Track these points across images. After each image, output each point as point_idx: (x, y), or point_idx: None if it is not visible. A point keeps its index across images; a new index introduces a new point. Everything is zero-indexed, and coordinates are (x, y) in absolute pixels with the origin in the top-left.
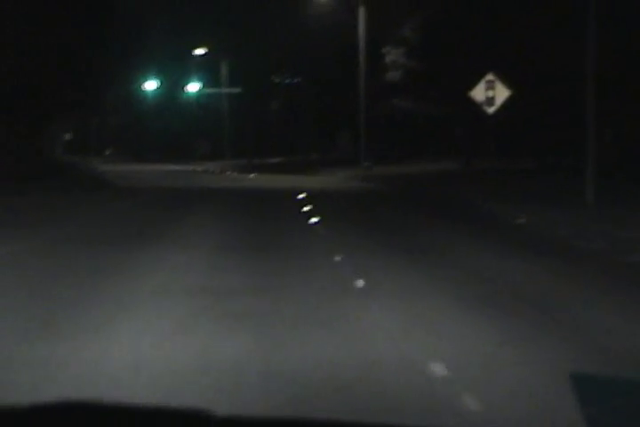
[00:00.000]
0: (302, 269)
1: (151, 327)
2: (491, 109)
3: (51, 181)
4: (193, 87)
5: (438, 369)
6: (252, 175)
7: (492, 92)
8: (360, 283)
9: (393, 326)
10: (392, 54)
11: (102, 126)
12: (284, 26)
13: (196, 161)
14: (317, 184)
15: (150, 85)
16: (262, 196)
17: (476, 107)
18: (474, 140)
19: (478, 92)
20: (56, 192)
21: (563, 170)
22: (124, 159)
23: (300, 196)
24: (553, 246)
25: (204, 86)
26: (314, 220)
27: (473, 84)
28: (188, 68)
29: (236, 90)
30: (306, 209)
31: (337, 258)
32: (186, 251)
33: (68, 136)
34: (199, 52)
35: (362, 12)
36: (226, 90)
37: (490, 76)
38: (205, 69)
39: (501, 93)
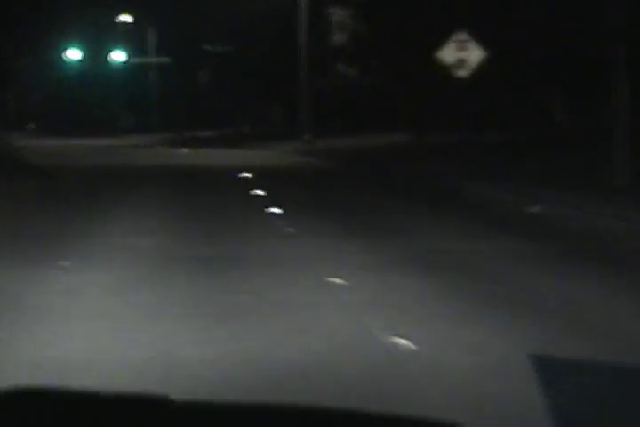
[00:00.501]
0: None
1: None
2: (462, 73)
3: None
4: (118, 56)
5: None
6: (184, 150)
7: (463, 54)
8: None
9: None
10: (338, 15)
11: (22, 99)
12: None
13: (121, 135)
14: (255, 160)
15: (73, 55)
16: (200, 174)
17: (434, 71)
18: (425, 112)
19: (447, 53)
20: None
21: (534, 145)
22: (46, 134)
23: (242, 174)
24: (612, 251)
25: (130, 56)
26: (272, 209)
27: (424, 48)
28: (113, 36)
29: (165, 60)
30: (255, 193)
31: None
32: (111, 270)
33: None
34: (124, 18)
35: None
36: (153, 59)
37: (462, 36)
38: (131, 38)
39: (475, 55)
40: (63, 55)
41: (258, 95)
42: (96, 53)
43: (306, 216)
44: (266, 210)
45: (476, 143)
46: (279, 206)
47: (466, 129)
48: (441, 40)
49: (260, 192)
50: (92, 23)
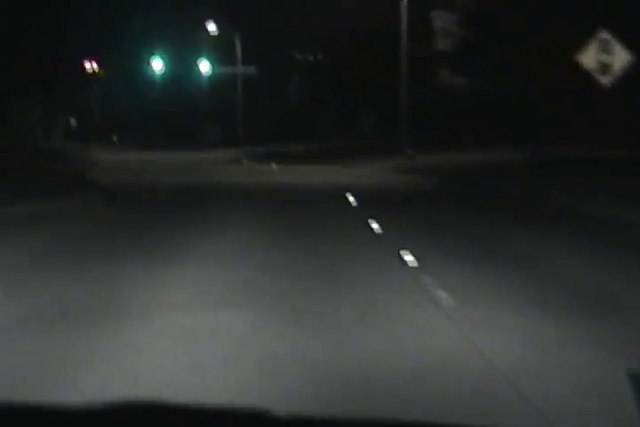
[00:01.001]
0: None
1: None
2: (606, 79)
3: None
4: (203, 67)
5: None
6: (272, 166)
7: (607, 57)
8: None
9: None
10: (441, 20)
11: (106, 111)
12: None
13: (206, 148)
14: (354, 178)
15: (157, 65)
16: (296, 196)
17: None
18: (542, 123)
19: (588, 57)
20: None
21: None
22: (128, 147)
23: (346, 197)
24: None
25: (214, 66)
26: (402, 255)
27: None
28: (198, 45)
29: (251, 69)
30: (370, 225)
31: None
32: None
33: (73, 122)
34: (210, 27)
35: None
36: (239, 69)
37: (604, 35)
38: (217, 47)
39: (620, 58)
40: (147, 65)
41: (351, 106)
42: (180, 63)
43: (449, 268)
44: (393, 255)
45: (604, 159)
46: (408, 250)
47: (590, 143)
48: (571, 42)
49: (374, 225)
50: (177, 33)
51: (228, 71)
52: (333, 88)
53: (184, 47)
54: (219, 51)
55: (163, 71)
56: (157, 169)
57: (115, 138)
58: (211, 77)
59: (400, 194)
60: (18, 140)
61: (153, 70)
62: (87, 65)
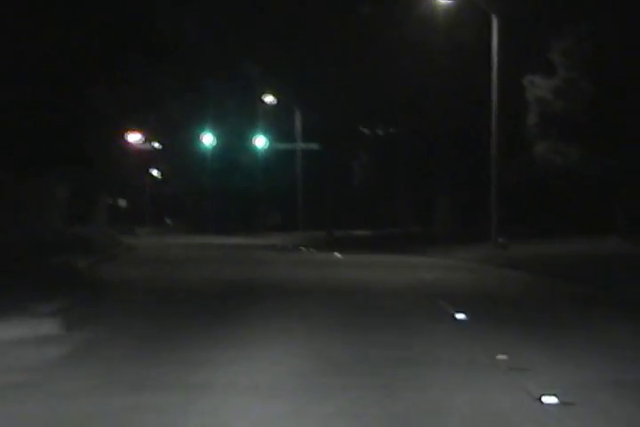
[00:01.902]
0: None
1: None
2: None
3: None
4: (259, 142)
5: None
6: (336, 255)
7: None
8: None
9: None
10: (538, 87)
11: (157, 191)
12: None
13: (262, 233)
14: (438, 273)
15: (208, 139)
16: (372, 301)
17: None
18: None
19: None
20: None
21: None
22: (180, 231)
23: (439, 305)
24: None
25: (272, 141)
26: None
27: None
28: (254, 119)
29: (313, 145)
30: (502, 360)
31: None
32: None
33: (122, 203)
34: (268, 99)
35: (495, 25)
36: (300, 145)
37: None
38: (275, 121)
39: None
40: (199, 140)
41: (423, 187)
42: (235, 138)
43: None
44: None
45: None
46: None
47: None
48: None
49: (501, 356)
50: (233, 105)
51: (286, 147)
52: (407, 167)
53: (240, 121)
54: (277, 125)
55: (213, 145)
56: (202, 258)
57: (168, 221)
58: (268, 154)
59: (512, 299)
60: (25, 224)
61: (204, 145)
62: (132, 138)
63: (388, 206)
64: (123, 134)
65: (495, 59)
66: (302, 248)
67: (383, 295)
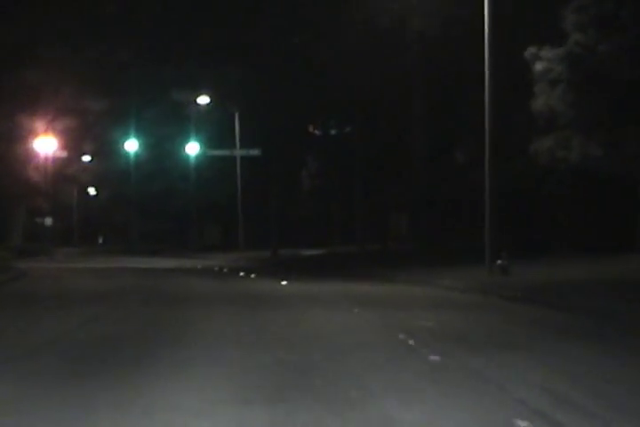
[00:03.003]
0: None
1: None
2: None
3: None
4: (191, 149)
5: None
6: (283, 283)
7: None
8: None
9: None
10: (546, 60)
11: (84, 204)
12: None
13: (196, 254)
14: (431, 312)
15: (132, 146)
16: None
17: None
18: None
19: None
20: None
21: None
22: (113, 250)
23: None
24: None
25: (206, 147)
26: None
27: None
28: (183, 122)
29: (254, 152)
30: None
31: None
32: None
33: (47, 221)
34: (201, 100)
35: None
36: (239, 152)
37: None
38: (210, 125)
39: None
40: (123, 147)
41: (382, 198)
42: (164, 146)
43: None
44: None
45: None
46: None
47: None
48: None
49: None
50: (162, 110)
51: (223, 154)
52: (364, 174)
53: (169, 125)
54: (212, 130)
55: (137, 153)
56: (99, 291)
57: (100, 240)
58: (202, 163)
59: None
60: None
61: (127, 153)
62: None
63: (341, 221)
64: (28, 141)
65: (487, 32)
66: (242, 273)
67: (346, 354)
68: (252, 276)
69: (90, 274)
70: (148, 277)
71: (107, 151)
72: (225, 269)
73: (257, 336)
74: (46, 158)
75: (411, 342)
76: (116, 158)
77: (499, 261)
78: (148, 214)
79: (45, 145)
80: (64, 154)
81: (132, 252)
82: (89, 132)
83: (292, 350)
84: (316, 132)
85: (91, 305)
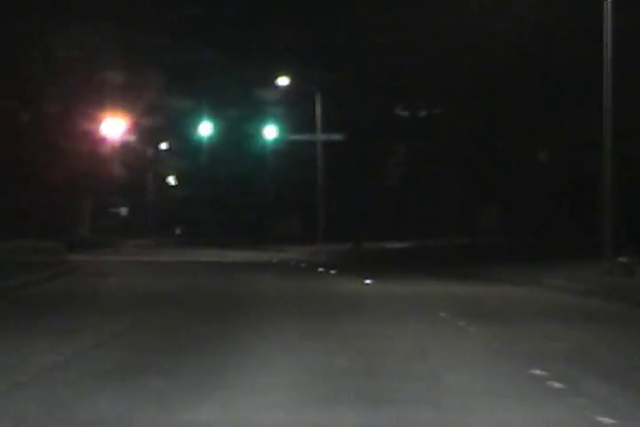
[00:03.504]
0: None
1: None
2: None
3: None
4: (269, 133)
5: None
6: (367, 282)
7: None
8: None
9: None
10: None
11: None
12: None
13: (273, 246)
14: (556, 327)
15: (204, 129)
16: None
17: None
18: None
19: None
20: None
21: None
22: (189, 242)
23: None
24: None
25: (285, 132)
26: None
27: None
28: (263, 105)
29: (336, 137)
30: None
31: None
32: None
33: (122, 212)
34: (281, 82)
35: None
36: (321, 137)
37: None
38: (290, 108)
39: None
40: (196, 132)
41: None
42: (242, 128)
43: None
44: None
45: None
46: None
47: None
48: None
49: None
50: (239, 91)
51: (303, 139)
52: (456, 161)
53: (247, 107)
54: (292, 113)
55: (211, 137)
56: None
57: (178, 231)
58: (280, 148)
59: None
60: None
61: (201, 137)
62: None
63: (428, 212)
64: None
65: None
66: (321, 269)
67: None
68: (332, 272)
69: (149, 269)
70: (212, 274)
71: (183, 139)
72: (302, 264)
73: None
74: (114, 145)
75: (557, 384)
76: (191, 147)
77: (620, 259)
78: (223, 205)
79: (116, 129)
80: (133, 139)
81: (207, 244)
82: (166, 125)
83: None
84: (404, 113)
85: (120, 315)
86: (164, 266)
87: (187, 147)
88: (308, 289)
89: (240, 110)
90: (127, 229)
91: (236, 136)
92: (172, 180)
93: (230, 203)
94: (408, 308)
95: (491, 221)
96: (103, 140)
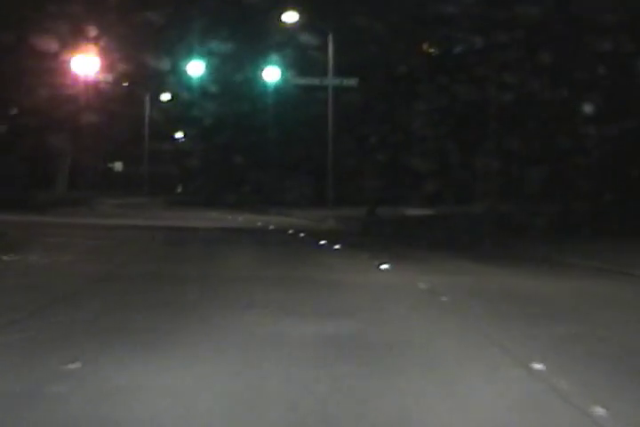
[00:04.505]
0: None
1: None
2: None
3: None
4: (270, 74)
5: None
6: (383, 267)
7: None
8: None
9: None
10: None
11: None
12: None
13: (281, 208)
14: None
15: (194, 68)
16: None
17: None
18: None
19: None
20: None
21: None
22: (186, 202)
23: None
24: None
25: (290, 74)
26: None
27: None
28: (268, 44)
29: (349, 82)
30: None
31: None
32: None
33: (117, 167)
34: (288, 17)
35: None
36: (331, 81)
37: None
38: (297, 49)
39: None
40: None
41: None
42: (238, 68)
43: None
44: None
45: None
46: None
47: None
48: None
49: None
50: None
51: (311, 83)
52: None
53: (246, 46)
54: (300, 55)
55: (202, 76)
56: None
57: (179, 189)
58: (283, 94)
59: None
60: None
61: (190, 77)
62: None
63: (457, 173)
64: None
65: None
66: (323, 242)
67: None
68: (337, 247)
69: (91, 234)
70: (178, 249)
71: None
72: (302, 234)
73: None
74: (87, 84)
75: None
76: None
77: None
78: (226, 161)
79: (87, 66)
80: (109, 78)
81: (204, 204)
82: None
83: None
84: (433, 51)
85: None
86: (134, 231)
87: (173, 90)
88: (296, 280)
89: (236, 48)
90: (123, 186)
91: (231, 77)
92: (179, 134)
93: (233, 159)
94: (450, 330)
95: (532, 186)
96: (75, 80)
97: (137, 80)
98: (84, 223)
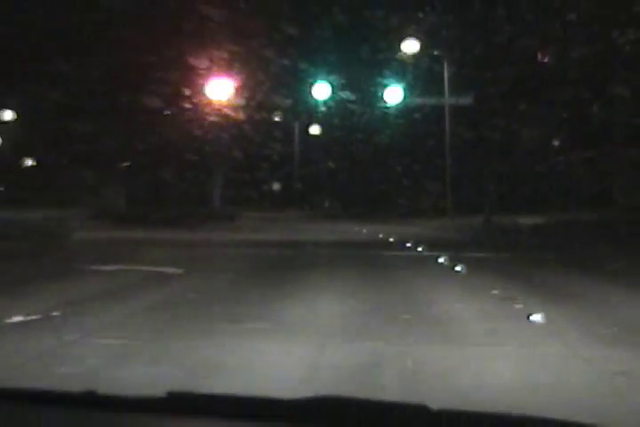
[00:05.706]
0: None
1: None
2: None
3: None
4: (391, 95)
5: None
6: (533, 318)
7: None
8: None
9: None
10: None
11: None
12: None
13: (402, 218)
14: None
15: (321, 91)
16: None
17: None
18: None
19: None
20: None
21: None
22: (329, 215)
23: None
24: None
25: (407, 94)
26: None
27: None
28: (384, 67)
29: (465, 100)
30: None
31: None
32: None
33: (276, 187)
34: (408, 47)
35: None
36: (448, 100)
37: None
38: (413, 69)
39: None
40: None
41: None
42: (360, 91)
43: None
44: None
45: None
46: None
47: None
48: None
49: None
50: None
51: (430, 103)
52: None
53: (366, 70)
54: (414, 77)
55: (327, 100)
56: None
57: (327, 203)
58: (402, 113)
59: None
60: None
61: (315, 100)
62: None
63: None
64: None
65: None
66: (442, 260)
67: None
68: (459, 270)
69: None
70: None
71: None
72: (420, 248)
73: None
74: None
75: None
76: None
77: None
78: (359, 177)
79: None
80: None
81: (338, 216)
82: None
83: None
84: (547, 60)
85: None
86: (241, 249)
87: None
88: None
89: (359, 71)
90: (275, 202)
91: (355, 101)
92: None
93: (364, 174)
94: None
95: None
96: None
97: (287, 111)
98: (201, 239)
